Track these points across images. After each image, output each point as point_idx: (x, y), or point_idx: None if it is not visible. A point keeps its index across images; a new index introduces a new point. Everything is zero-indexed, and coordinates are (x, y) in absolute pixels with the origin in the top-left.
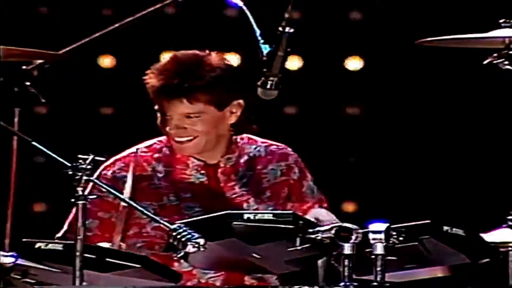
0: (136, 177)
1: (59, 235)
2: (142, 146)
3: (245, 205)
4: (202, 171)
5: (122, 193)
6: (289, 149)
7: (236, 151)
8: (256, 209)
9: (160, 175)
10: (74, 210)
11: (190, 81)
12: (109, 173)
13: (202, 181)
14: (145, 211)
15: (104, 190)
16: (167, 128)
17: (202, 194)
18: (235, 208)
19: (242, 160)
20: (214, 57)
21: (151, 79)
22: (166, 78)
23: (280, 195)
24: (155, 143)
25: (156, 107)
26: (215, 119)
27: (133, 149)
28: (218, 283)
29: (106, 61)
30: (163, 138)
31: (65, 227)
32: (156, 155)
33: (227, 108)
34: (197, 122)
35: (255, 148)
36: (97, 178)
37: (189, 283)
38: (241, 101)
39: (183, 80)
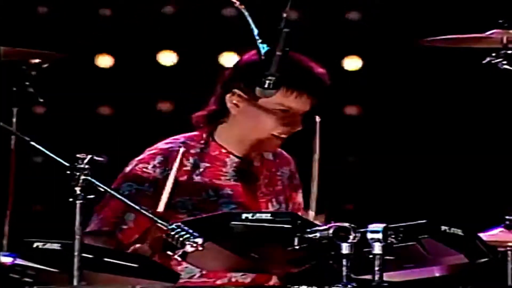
0: (179, 169)
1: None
2: (173, 141)
3: (270, 205)
4: (238, 169)
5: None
6: (287, 154)
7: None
8: (278, 209)
9: (199, 170)
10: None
11: (313, 78)
12: (150, 167)
13: (237, 179)
14: (142, 211)
15: (145, 183)
16: (285, 123)
17: (238, 192)
18: (264, 207)
19: (261, 162)
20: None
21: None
22: (293, 69)
23: (292, 198)
24: (188, 138)
25: (276, 100)
26: None
27: (164, 145)
28: (248, 281)
29: (104, 61)
30: (190, 134)
31: (97, 221)
32: (193, 151)
33: None
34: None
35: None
36: (132, 171)
37: (219, 282)
38: None
39: (307, 76)
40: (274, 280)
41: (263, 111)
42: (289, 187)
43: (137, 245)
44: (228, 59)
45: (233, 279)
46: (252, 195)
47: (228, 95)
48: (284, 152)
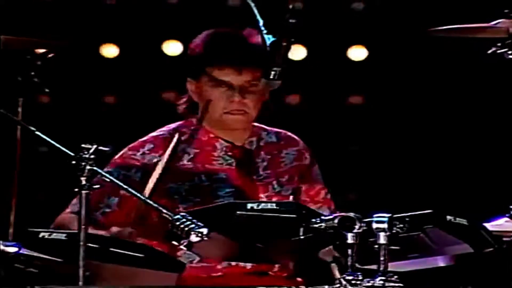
0: (172, 155)
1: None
2: (165, 129)
3: (269, 187)
4: (230, 153)
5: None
6: (295, 136)
7: (255, 135)
8: (279, 192)
9: (189, 156)
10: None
11: (246, 50)
12: (138, 154)
13: (231, 163)
14: (148, 201)
15: (132, 169)
16: (228, 98)
17: (232, 176)
18: (262, 191)
19: (261, 144)
20: (252, 32)
21: (200, 49)
22: (221, 46)
23: (295, 179)
24: (178, 126)
25: (210, 78)
26: (261, 94)
27: (156, 133)
28: (248, 267)
29: (109, 50)
30: (183, 121)
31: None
32: (183, 137)
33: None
34: (251, 95)
35: (267, 134)
36: (121, 158)
37: (219, 266)
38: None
39: (240, 49)
40: (276, 267)
41: (211, 92)
42: (296, 168)
43: (115, 229)
44: None
45: (233, 263)
46: (248, 178)
47: (187, 85)
48: (291, 134)
